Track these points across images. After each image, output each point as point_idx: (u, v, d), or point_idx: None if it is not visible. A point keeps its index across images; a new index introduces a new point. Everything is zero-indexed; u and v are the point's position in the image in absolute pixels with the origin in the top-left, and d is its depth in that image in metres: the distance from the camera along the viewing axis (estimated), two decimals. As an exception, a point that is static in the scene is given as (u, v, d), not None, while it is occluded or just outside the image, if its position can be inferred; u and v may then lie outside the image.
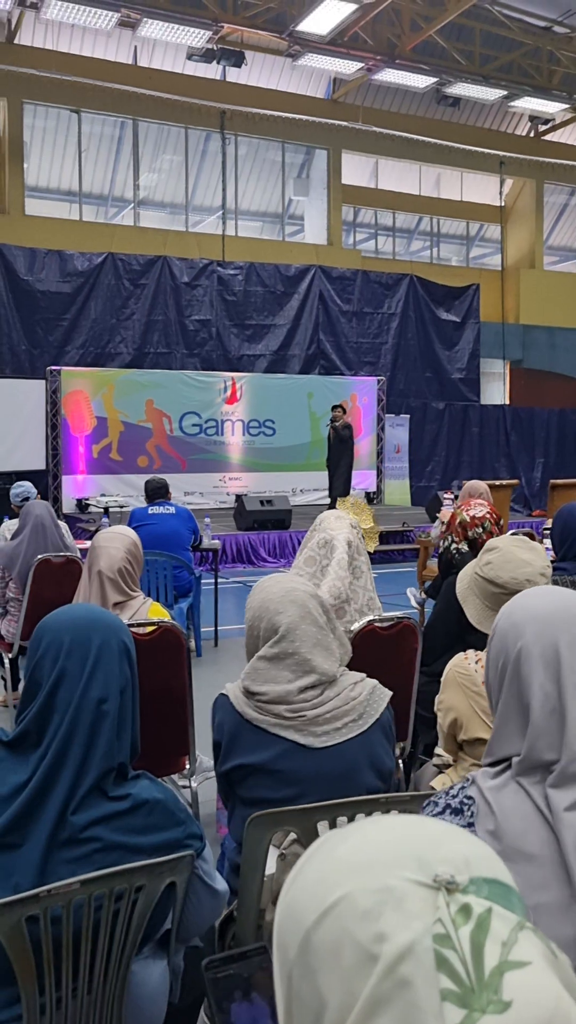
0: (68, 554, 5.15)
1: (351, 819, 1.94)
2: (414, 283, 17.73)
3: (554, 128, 19.09)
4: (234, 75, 16.17)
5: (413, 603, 6.81)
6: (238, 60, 14.90)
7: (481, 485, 6.41)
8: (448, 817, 1.39)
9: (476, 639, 3.55)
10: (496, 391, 19.51)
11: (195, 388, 14.86)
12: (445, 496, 7.91)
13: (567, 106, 17.46)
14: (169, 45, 15.18)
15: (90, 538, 8.82)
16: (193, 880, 1.76)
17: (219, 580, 7.64)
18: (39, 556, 5.00)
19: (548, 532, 5.04)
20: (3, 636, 5.24)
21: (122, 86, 15.37)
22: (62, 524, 5.66)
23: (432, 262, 19.57)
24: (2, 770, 1.64)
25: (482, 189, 19.87)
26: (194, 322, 15.77)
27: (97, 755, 1.63)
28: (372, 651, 3.20)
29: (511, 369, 19.59)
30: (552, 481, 9.08)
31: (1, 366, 14.25)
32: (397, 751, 3.54)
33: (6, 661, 5.17)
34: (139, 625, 2.98)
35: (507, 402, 19.36)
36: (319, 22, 13.82)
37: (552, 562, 3.17)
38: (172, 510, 6.80)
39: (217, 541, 8.18)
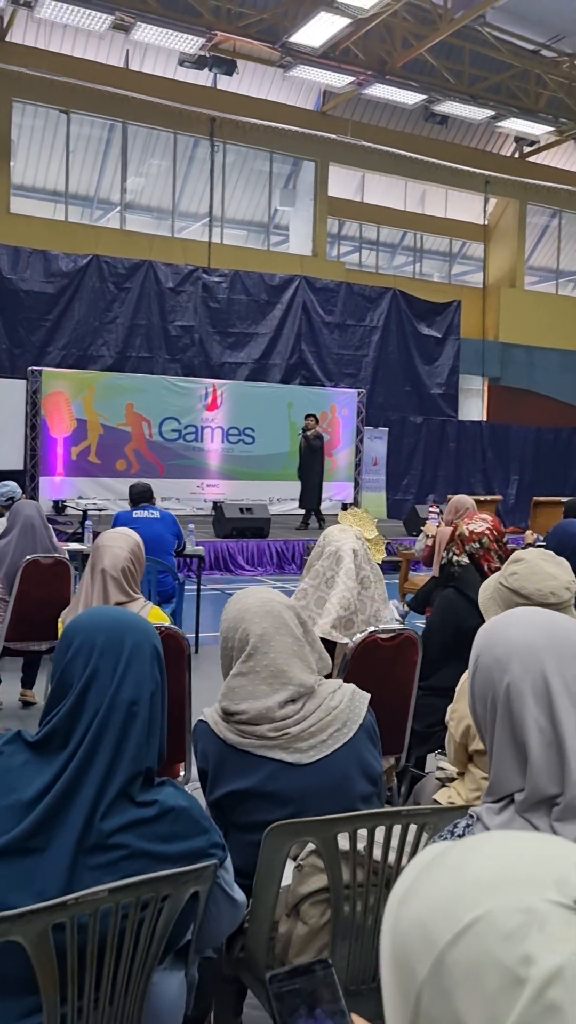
0: (57, 555, 5.09)
1: (371, 831, 1.92)
2: (397, 297, 17.84)
3: (539, 150, 19.32)
4: (225, 83, 16.19)
5: (396, 615, 6.80)
6: (229, 68, 14.92)
7: (468, 500, 6.44)
8: None
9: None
10: (474, 407, 19.65)
11: (176, 394, 14.82)
12: (431, 510, 7.92)
13: (552, 129, 17.68)
14: (161, 50, 15.17)
15: (67, 540, 8.78)
16: (215, 890, 1.73)
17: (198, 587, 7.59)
18: (28, 557, 4.93)
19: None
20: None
21: (112, 89, 15.32)
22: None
23: (415, 277, 19.70)
24: (27, 772, 1.60)
25: (466, 207, 20.05)
26: (177, 328, 15.74)
27: (126, 758, 1.60)
28: (373, 663, 3.18)
29: (489, 386, 19.74)
30: (535, 498, 9.16)
31: (-19, 364, 14.13)
32: (391, 762, 3.53)
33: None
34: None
35: (485, 419, 19.51)
36: (312, 35, 13.88)
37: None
38: (157, 515, 6.76)
39: (201, 547, 8.14)
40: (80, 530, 9.42)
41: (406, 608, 6.55)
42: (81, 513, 10.95)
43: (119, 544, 3.15)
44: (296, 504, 14.59)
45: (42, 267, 14.59)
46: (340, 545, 3.27)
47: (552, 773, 1.31)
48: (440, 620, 3.73)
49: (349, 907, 1.94)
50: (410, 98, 15.94)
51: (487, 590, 2.59)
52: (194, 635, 7.27)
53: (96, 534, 7.73)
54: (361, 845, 1.91)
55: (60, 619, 3.39)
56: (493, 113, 16.63)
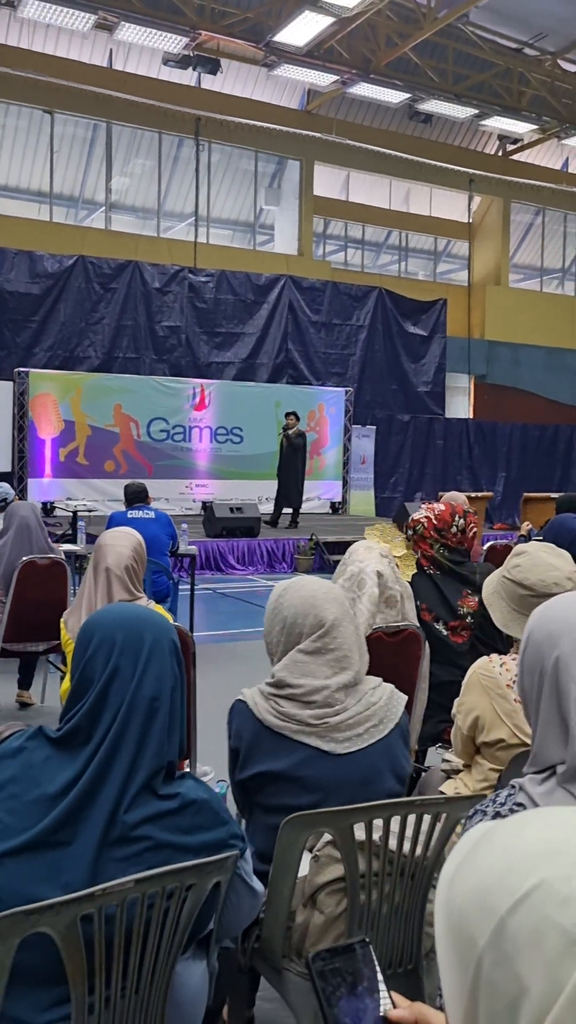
0: (53, 556, 5.09)
1: (387, 821, 1.95)
2: (383, 296, 17.88)
3: (522, 148, 19.41)
4: (209, 82, 16.18)
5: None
6: (214, 67, 14.92)
7: (460, 496, 6.48)
8: None
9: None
10: (460, 405, 19.73)
11: (163, 394, 14.81)
12: (422, 507, 7.95)
13: (535, 127, 17.78)
14: (145, 49, 15.16)
15: (57, 541, 8.77)
16: (235, 880, 1.75)
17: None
18: (24, 558, 4.94)
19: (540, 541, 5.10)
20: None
21: (96, 88, 15.29)
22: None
23: (400, 276, 19.76)
24: (50, 767, 1.62)
25: (451, 205, 20.12)
26: (164, 328, 15.72)
27: (149, 753, 1.62)
28: (375, 657, 3.20)
29: (475, 384, 19.83)
30: (526, 494, 9.23)
31: (-33, 366, 14.07)
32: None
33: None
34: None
35: (471, 416, 19.60)
36: (296, 34, 13.92)
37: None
38: (151, 515, 6.78)
39: (194, 547, 8.16)
40: (71, 531, 9.40)
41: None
42: (71, 515, 10.93)
43: (122, 543, 3.16)
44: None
45: (27, 268, 14.54)
46: (363, 567, 3.23)
47: None
48: None
49: (365, 896, 1.97)
50: (394, 97, 16.01)
51: (491, 584, 2.63)
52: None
53: (90, 535, 7.75)
54: (377, 835, 1.94)
55: (62, 620, 3.39)
56: (477, 111, 16.71)
